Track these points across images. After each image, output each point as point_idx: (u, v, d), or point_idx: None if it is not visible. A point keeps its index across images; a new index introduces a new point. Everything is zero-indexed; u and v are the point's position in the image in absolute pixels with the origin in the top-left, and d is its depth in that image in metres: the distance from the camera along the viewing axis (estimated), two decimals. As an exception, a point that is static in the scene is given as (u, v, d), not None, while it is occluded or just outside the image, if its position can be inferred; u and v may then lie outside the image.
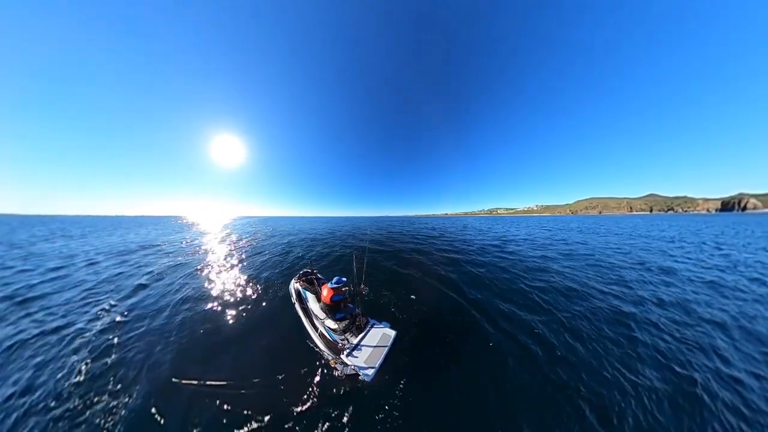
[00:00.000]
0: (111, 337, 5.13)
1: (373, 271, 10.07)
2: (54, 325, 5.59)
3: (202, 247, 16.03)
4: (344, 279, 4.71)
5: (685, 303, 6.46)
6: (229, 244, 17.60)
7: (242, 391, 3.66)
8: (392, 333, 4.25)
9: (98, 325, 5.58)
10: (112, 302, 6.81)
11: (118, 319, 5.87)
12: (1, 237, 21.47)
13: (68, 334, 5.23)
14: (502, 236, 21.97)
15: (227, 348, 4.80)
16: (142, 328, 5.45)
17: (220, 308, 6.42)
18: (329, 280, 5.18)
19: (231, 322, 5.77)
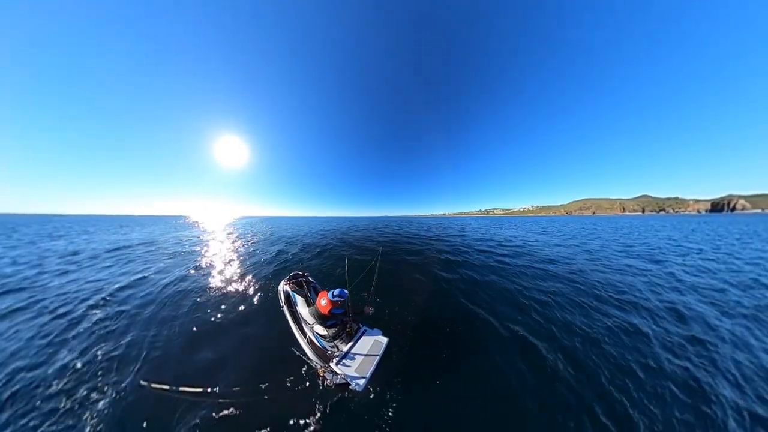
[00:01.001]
0: (90, 330, 5.04)
1: (366, 273, 9.78)
2: (45, 316, 5.68)
3: (199, 246, 15.94)
4: (346, 291, 4.34)
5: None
6: (226, 243, 17.47)
7: (219, 401, 3.27)
8: (384, 340, 3.99)
9: (81, 317, 5.56)
10: (99, 298, 6.81)
11: (100, 313, 5.81)
12: (8, 234, 21.71)
13: (53, 324, 5.32)
14: (503, 239, 22.04)
15: (208, 351, 4.38)
16: (123, 323, 5.31)
17: (205, 308, 6.24)
18: (322, 284, 4.73)
19: (215, 323, 5.51)
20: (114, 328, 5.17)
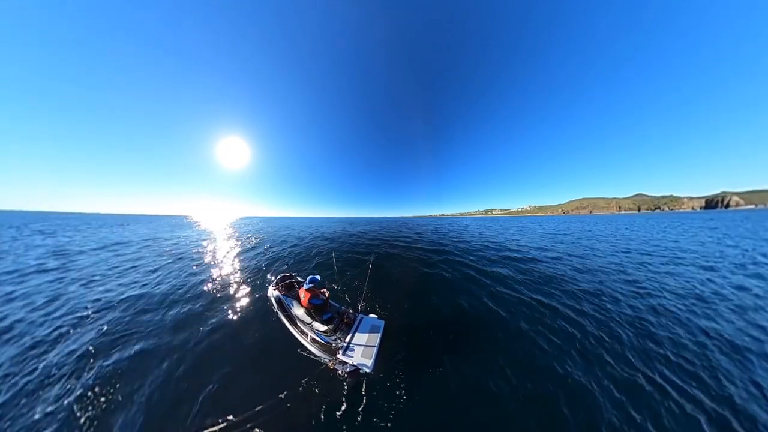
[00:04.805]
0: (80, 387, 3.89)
1: (361, 266, 10.28)
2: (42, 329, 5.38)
3: (197, 249, 15.44)
4: (318, 277, 4.44)
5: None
6: (223, 246, 16.96)
7: (248, 425, 3.27)
8: (381, 323, 4.33)
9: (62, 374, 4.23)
10: (86, 343, 5.09)
11: (88, 371, 4.36)
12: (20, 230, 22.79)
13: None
14: (508, 241, 20.93)
15: (219, 380, 3.99)
16: (128, 369, 4.25)
17: (207, 330, 5.40)
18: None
19: (217, 347, 4.84)
20: (114, 378, 4.07)
